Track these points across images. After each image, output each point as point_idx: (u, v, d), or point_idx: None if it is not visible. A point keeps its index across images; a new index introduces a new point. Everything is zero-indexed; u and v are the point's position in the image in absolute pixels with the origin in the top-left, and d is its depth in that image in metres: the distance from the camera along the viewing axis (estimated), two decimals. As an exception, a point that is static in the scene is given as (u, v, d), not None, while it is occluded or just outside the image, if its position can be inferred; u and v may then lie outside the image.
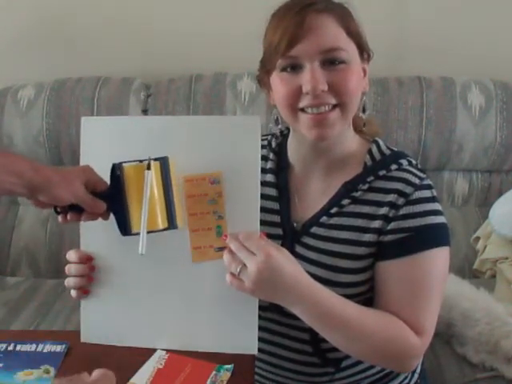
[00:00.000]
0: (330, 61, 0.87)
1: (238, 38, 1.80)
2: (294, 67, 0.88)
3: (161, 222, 0.84)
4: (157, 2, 1.93)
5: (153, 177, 0.83)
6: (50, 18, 1.97)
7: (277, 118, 0.98)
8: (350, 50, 0.88)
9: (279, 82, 0.90)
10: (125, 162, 0.84)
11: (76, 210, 0.84)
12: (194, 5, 1.92)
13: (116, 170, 0.84)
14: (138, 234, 0.83)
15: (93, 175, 0.85)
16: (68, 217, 0.85)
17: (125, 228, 0.84)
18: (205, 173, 0.87)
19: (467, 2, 1.88)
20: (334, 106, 0.88)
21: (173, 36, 1.95)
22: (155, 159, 0.84)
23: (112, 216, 0.86)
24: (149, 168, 0.82)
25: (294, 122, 0.91)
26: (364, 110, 0.96)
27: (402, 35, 1.87)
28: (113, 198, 0.84)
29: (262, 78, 0.96)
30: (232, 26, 1.88)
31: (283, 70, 0.89)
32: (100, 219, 0.86)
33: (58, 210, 0.85)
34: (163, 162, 0.84)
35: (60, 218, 0.85)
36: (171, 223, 0.85)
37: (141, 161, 0.84)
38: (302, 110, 0.89)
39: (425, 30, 1.87)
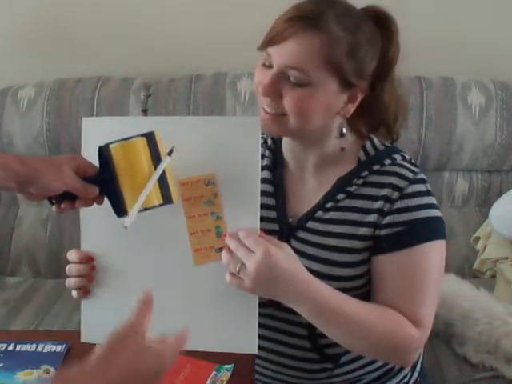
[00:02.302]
0: (288, 77, 0.86)
1: (238, 38, 1.80)
2: (267, 62, 0.89)
3: (155, 198, 0.82)
4: (157, 1, 1.93)
5: (141, 152, 0.82)
6: (50, 17, 1.97)
7: None
8: (318, 76, 0.85)
9: (257, 70, 0.91)
10: (111, 143, 0.83)
11: (69, 198, 0.83)
12: (194, 5, 1.92)
13: (103, 152, 0.82)
14: None
15: (82, 161, 0.84)
16: (62, 205, 0.84)
17: (119, 209, 0.82)
18: (199, 175, 0.87)
19: (467, 2, 1.88)
20: (284, 114, 0.88)
21: (173, 36, 1.94)
22: (141, 135, 0.83)
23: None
24: (170, 154, 0.82)
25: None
26: (342, 135, 0.95)
27: (401, 35, 1.86)
28: (104, 180, 0.82)
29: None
30: (232, 25, 1.88)
31: (263, 61, 0.90)
32: (95, 205, 0.85)
33: (53, 201, 0.83)
34: (150, 137, 0.83)
35: (54, 208, 0.84)
36: (166, 198, 0.83)
37: (126, 139, 0.83)
38: None
39: (425, 30, 1.87)
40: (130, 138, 0.82)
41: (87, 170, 0.83)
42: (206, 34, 1.91)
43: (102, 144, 0.83)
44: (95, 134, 0.89)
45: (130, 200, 0.81)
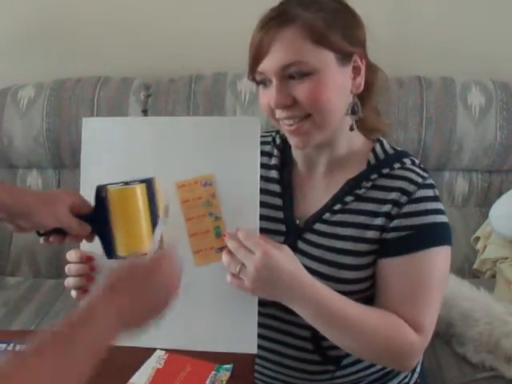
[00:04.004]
0: (292, 75, 0.86)
1: (238, 38, 1.79)
2: (265, 82, 0.89)
3: (147, 246, 0.83)
4: (157, 1, 1.93)
5: (138, 199, 0.82)
6: (50, 17, 1.97)
7: None
8: (315, 60, 0.86)
9: (260, 95, 0.92)
10: (110, 185, 0.83)
11: (60, 232, 0.83)
12: (194, 5, 1.92)
13: (101, 193, 0.83)
14: (123, 257, 0.83)
15: (78, 198, 0.84)
16: (51, 239, 0.84)
17: (110, 251, 0.84)
18: (195, 176, 0.87)
19: (467, 2, 1.88)
20: (307, 116, 0.88)
21: (173, 36, 1.95)
22: (141, 181, 0.83)
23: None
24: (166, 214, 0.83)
25: (279, 128, 0.94)
26: (354, 112, 0.94)
27: (401, 35, 1.87)
28: (97, 220, 0.83)
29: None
30: (232, 25, 1.87)
31: (259, 84, 0.90)
32: (84, 241, 0.86)
33: (40, 232, 0.84)
34: (149, 184, 0.83)
35: (42, 239, 0.85)
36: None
37: (126, 183, 0.83)
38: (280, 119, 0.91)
39: (425, 30, 1.87)
40: (130, 182, 0.83)
41: (82, 207, 0.84)
42: (206, 34, 1.91)
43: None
44: (95, 134, 0.90)
45: (121, 244, 0.83)
